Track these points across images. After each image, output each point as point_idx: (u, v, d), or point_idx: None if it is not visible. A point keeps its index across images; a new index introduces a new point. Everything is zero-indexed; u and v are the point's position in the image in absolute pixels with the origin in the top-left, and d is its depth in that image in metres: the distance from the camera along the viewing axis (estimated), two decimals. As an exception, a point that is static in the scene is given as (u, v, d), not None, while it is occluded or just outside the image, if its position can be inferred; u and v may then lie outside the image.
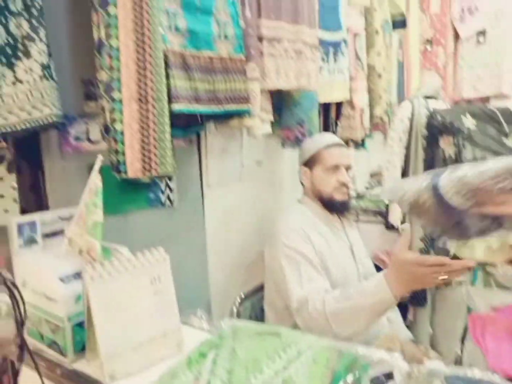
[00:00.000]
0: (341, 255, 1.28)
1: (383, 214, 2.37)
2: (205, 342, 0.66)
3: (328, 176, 1.29)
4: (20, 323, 0.54)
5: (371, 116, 2.10)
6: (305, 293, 1.07)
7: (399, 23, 2.23)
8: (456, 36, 2.73)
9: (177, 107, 0.90)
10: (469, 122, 1.93)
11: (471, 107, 2.13)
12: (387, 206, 2.22)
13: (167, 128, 0.87)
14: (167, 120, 0.87)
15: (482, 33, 2.58)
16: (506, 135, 1.69)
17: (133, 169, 0.82)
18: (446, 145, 2.00)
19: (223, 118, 1.12)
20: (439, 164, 2.05)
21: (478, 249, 1.09)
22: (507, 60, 2.56)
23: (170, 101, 0.88)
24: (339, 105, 2.00)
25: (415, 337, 1.43)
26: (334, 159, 1.29)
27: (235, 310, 1.27)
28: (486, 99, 2.73)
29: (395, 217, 2.13)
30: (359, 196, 2.65)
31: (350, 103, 1.93)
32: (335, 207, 1.31)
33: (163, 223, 1.13)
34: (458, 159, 1.85)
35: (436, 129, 1.97)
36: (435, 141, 1.96)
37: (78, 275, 0.67)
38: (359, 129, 2.06)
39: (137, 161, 0.83)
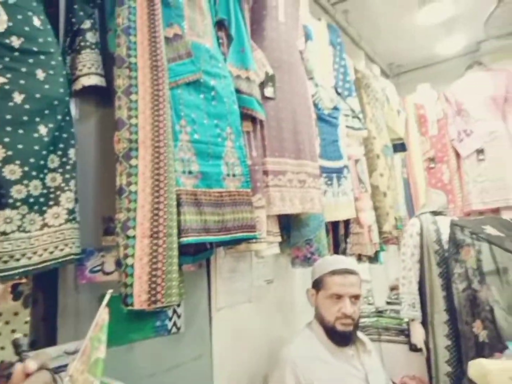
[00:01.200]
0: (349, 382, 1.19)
1: (406, 333, 2.24)
2: None
3: (331, 304, 1.26)
4: None
5: (381, 232, 2.15)
6: None
7: (399, 146, 2.43)
8: (457, 153, 2.92)
9: (186, 240, 0.97)
10: (490, 230, 1.93)
11: (489, 219, 2.17)
12: (408, 324, 2.11)
13: (175, 260, 0.93)
14: (175, 253, 0.93)
15: (481, 151, 2.76)
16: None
17: (139, 300, 0.86)
18: (467, 256, 1.98)
19: (231, 243, 1.19)
20: (460, 277, 2.00)
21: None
22: (509, 173, 2.68)
23: (180, 234, 0.96)
24: (347, 223, 2.07)
25: None
26: (336, 288, 1.26)
27: None
28: (496, 210, 2.77)
29: (417, 337, 2.01)
30: (379, 313, 2.54)
31: (357, 221, 2.01)
32: (336, 337, 1.26)
33: (169, 351, 1.12)
34: (480, 268, 1.81)
35: (457, 242, 1.96)
36: (456, 254, 1.94)
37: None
38: (368, 245, 2.09)
39: (144, 293, 0.87)
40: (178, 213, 0.97)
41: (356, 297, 1.27)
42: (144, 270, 0.89)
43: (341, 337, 1.25)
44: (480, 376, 1.09)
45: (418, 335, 2.01)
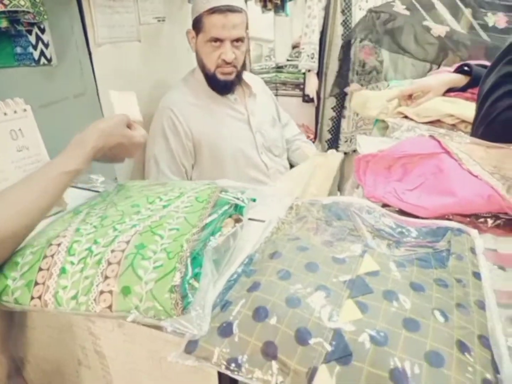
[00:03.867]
0: (232, 128, 1.22)
1: (301, 87, 2.35)
2: (84, 202, 0.62)
3: (211, 49, 1.12)
4: None
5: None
6: None
7: None
8: None
9: None
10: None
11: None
12: (304, 78, 2.19)
13: None
14: None
15: None
16: None
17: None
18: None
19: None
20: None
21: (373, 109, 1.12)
22: None
23: None
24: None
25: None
26: (215, 31, 1.09)
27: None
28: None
29: (311, 88, 2.11)
30: (279, 68, 2.56)
31: None
32: (217, 86, 1.19)
33: (42, 85, 0.97)
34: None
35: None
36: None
37: None
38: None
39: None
40: None
41: (239, 40, 1.13)
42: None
43: (223, 87, 1.19)
44: (361, 104, 1.18)
45: (312, 85, 2.10)
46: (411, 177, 0.68)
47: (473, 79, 0.98)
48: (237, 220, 0.47)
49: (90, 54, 1.11)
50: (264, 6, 2.04)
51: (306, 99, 2.24)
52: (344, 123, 2.16)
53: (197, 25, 1.15)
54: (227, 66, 1.15)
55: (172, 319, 0.36)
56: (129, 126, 0.63)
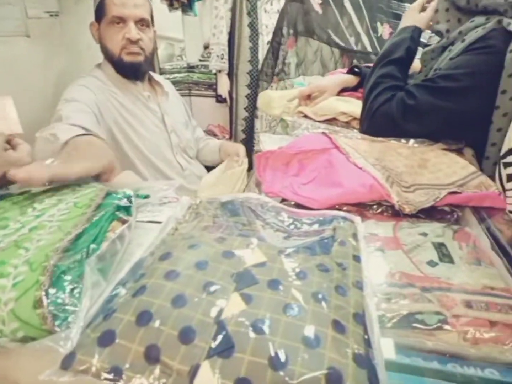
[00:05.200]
0: (147, 125, 1.19)
1: (214, 87, 2.35)
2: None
3: (114, 31, 1.09)
4: None
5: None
6: None
7: None
8: None
9: None
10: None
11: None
12: (216, 78, 2.19)
13: None
14: None
15: None
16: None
17: None
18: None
19: None
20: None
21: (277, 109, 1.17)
22: None
23: None
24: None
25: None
26: (117, 9, 1.07)
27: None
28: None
29: (223, 88, 2.13)
30: (191, 68, 2.53)
31: None
32: (124, 70, 1.14)
33: None
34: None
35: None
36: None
37: None
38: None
39: None
40: None
41: (143, 22, 1.12)
42: None
43: (130, 68, 1.14)
44: (266, 104, 1.22)
45: (224, 85, 2.12)
46: (306, 172, 0.72)
47: (363, 79, 1.07)
48: (124, 222, 0.45)
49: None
50: (171, 5, 2.00)
51: (219, 99, 2.25)
52: (257, 123, 2.21)
53: (100, 12, 1.11)
54: (133, 45, 1.11)
55: (41, 338, 0.33)
56: (8, 142, 0.52)
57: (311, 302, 0.38)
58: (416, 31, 0.87)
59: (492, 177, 0.69)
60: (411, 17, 0.89)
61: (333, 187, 0.65)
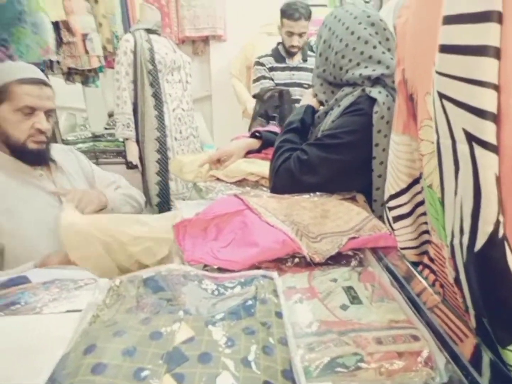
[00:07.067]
0: (37, 206, 1.11)
1: (123, 154, 2.34)
2: None
3: (21, 119, 1.07)
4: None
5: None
6: None
7: None
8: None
9: None
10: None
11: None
12: (125, 145, 2.19)
13: None
14: None
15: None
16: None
17: None
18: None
19: None
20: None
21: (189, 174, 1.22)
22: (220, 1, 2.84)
23: None
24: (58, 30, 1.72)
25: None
26: (30, 99, 1.07)
27: None
28: (206, 39, 2.99)
29: (132, 155, 2.13)
30: (96, 137, 2.50)
31: (67, 26, 1.70)
32: (28, 156, 1.12)
33: None
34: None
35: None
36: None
37: None
38: (83, 56, 1.86)
39: None
40: None
41: (50, 112, 1.14)
42: None
43: (36, 156, 1.12)
44: (178, 170, 1.26)
45: (133, 152, 2.13)
46: (223, 235, 0.75)
47: (264, 142, 1.19)
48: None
49: None
50: (68, 79, 2.00)
51: (130, 165, 2.23)
52: (172, 185, 2.23)
53: (1, 94, 1.06)
54: (41, 135, 1.11)
55: None
56: None
57: (242, 368, 0.39)
58: (309, 108, 1.10)
59: (382, 218, 0.81)
60: (307, 99, 1.13)
61: (250, 247, 0.69)
